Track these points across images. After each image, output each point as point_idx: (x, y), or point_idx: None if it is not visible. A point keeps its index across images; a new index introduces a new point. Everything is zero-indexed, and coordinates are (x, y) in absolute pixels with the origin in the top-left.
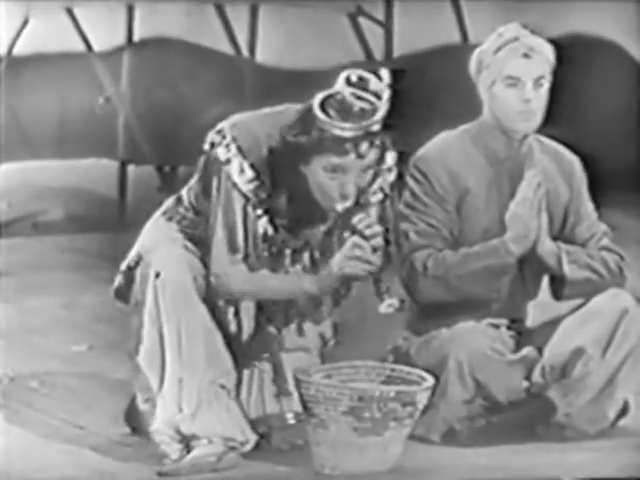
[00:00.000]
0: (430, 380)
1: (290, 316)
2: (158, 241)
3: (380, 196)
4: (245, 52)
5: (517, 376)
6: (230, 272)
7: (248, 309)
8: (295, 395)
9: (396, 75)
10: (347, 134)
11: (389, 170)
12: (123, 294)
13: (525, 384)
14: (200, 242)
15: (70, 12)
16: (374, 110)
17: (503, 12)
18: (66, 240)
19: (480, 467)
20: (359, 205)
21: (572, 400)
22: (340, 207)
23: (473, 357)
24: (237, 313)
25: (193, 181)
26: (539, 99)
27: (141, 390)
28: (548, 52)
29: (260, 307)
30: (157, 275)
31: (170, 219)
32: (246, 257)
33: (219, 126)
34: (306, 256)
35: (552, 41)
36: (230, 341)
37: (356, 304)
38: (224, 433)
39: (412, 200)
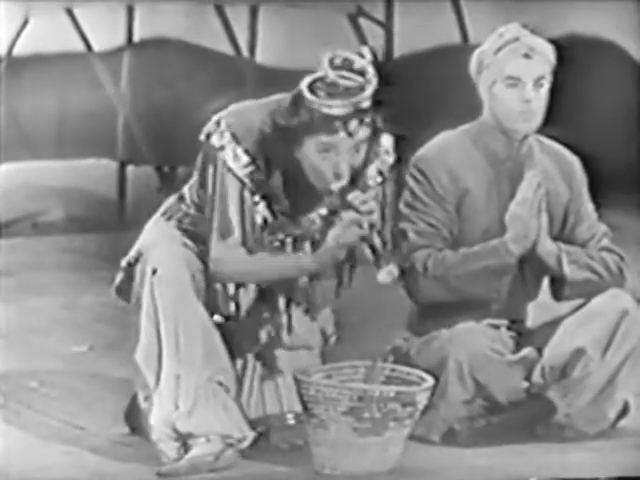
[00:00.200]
0: (430, 380)
1: (290, 301)
2: (157, 238)
3: (379, 179)
4: (245, 52)
5: (517, 376)
6: (228, 255)
7: (248, 292)
8: (285, 375)
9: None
10: (336, 112)
11: (386, 153)
12: (124, 291)
13: (525, 384)
14: (201, 239)
15: (70, 12)
16: (361, 88)
17: (503, 12)
18: (66, 240)
19: (480, 467)
20: (356, 188)
21: (572, 401)
22: (335, 187)
23: (473, 357)
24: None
25: (194, 178)
26: (539, 99)
27: (142, 388)
28: (548, 52)
29: (260, 293)
30: (154, 272)
31: (170, 218)
32: (244, 242)
33: (215, 117)
34: (307, 245)
35: (552, 41)
36: (227, 327)
37: (356, 304)
38: (221, 430)
39: (412, 200)
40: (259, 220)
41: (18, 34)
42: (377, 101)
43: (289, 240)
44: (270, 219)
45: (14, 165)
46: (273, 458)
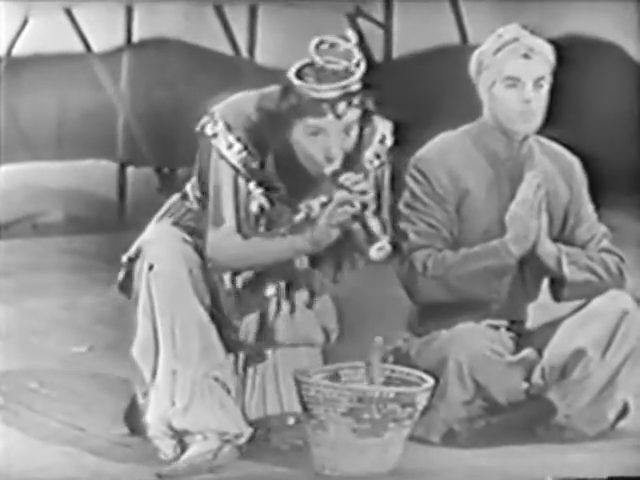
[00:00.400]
0: (430, 381)
1: (287, 284)
2: (156, 235)
3: (377, 162)
4: (244, 53)
5: (517, 377)
6: (222, 242)
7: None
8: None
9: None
10: (324, 95)
11: (383, 138)
12: (125, 288)
13: (525, 385)
14: (203, 234)
15: (69, 13)
16: (348, 71)
17: (502, 13)
18: (65, 241)
19: (480, 468)
20: (352, 172)
21: (572, 401)
22: (327, 170)
23: (473, 358)
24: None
25: (194, 173)
26: (539, 100)
27: (139, 385)
28: (548, 53)
29: (258, 278)
30: (150, 267)
31: (172, 215)
32: (239, 229)
33: (210, 109)
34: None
35: (552, 42)
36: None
37: (356, 304)
38: (217, 427)
39: (412, 200)
40: (255, 208)
41: (17, 34)
42: (366, 84)
43: (288, 228)
44: (267, 206)
45: (14, 166)
46: (273, 459)
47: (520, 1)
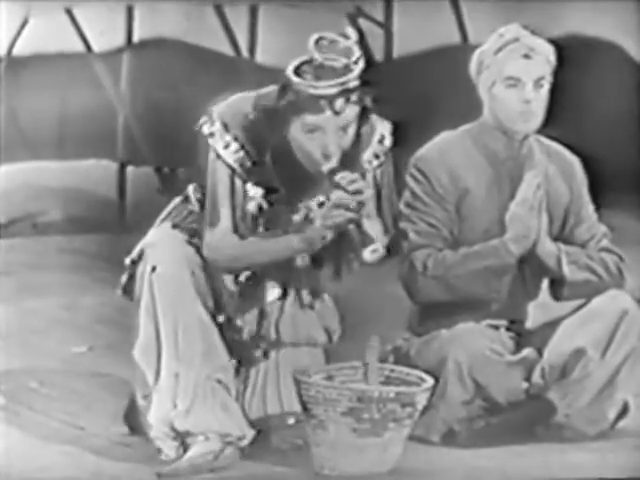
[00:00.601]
0: (429, 381)
1: (288, 284)
2: (158, 237)
3: (375, 163)
4: (245, 53)
5: (517, 377)
6: (219, 241)
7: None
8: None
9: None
10: (322, 92)
11: (382, 138)
12: (128, 290)
13: (525, 385)
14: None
15: (70, 12)
16: (347, 68)
17: (503, 13)
18: (65, 241)
19: (479, 468)
20: (350, 171)
21: (572, 401)
22: (325, 168)
23: (472, 358)
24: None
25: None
26: (539, 100)
27: (140, 386)
28: (548, 53)
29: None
30: (153, 269)
31: (174, 217)
32: (235, 229)
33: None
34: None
35: (552, 42)
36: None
37: (357, 304)
38: (220, 429)
39: (412, 200)
40: (253, 208)
41: (18, 34)
42: (365, 81)
43: (289, 230)
44: (265, 207)
45: (14, 165)
46: (273, 458)
47: (520, 1)
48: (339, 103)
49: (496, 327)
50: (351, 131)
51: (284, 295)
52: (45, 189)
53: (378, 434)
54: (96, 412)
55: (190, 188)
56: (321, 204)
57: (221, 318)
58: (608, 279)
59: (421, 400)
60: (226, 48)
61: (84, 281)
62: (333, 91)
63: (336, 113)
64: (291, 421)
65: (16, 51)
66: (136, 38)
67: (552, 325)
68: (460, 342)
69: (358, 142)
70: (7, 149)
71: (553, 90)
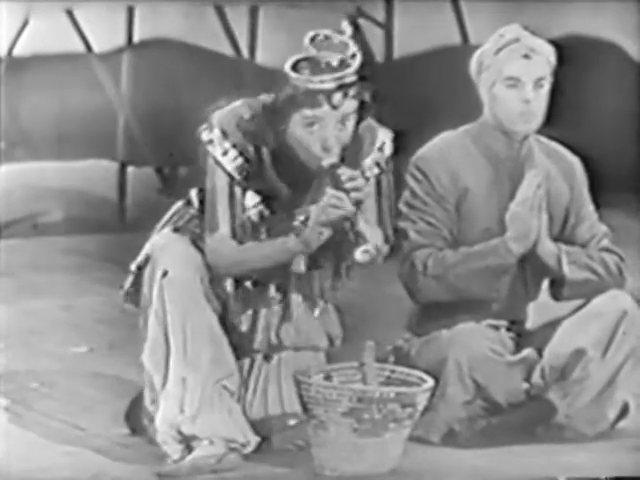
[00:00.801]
0: (430, 381)
1: (289, 290)
2: (166, 241)
3: (376, 170)
4: (245, 53)
5: (517, 377)
6: (218, 248)
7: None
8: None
9: (357, 27)
10: (319, 86)
11: (382, 145)
12: (132, 296)
13: (525, 385)
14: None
15: (70, 13)
16: (344, 63)
17: (503, 13)
18: (66, 241)
19: (480, 468)
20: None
21: (572, 401)
22: (326, 163)
23: (473, 358)
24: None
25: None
26: (539, 100)
27: (149, 391)
28: (549, 53)
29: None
30: (164, 274)
31: (177, 221)
32: (234, 235)
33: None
34: None
35: (553, 42)
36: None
37: (357, 305)
38: (225, 434)
39: (412, 199)
40: (254, 215)
41: (18, 35)
42: (362, 76)
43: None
44: (267, 214)
45: (14, 166)
46: (273, 459)
47: (521, 1)
48: (337, 97)
49: (496, 327)
50: (350, 125)
51: (284, 298)
52: (45, 189)
53: (378, 434)
54: (97, 413)
55: (192, 192)
56: (306, 220)
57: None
58: (608, 279)
59: (421, 400)
60: (226, 48)
61: (84, 282)
62: (330, 86)
63: (334, 107)
64: (292, 422)
65: (16, 52)
66: (136, 38)
67: (552, 325)
68: (460, 342)
69: (360, 151)
70: (7, 149)
71: (553, 90)
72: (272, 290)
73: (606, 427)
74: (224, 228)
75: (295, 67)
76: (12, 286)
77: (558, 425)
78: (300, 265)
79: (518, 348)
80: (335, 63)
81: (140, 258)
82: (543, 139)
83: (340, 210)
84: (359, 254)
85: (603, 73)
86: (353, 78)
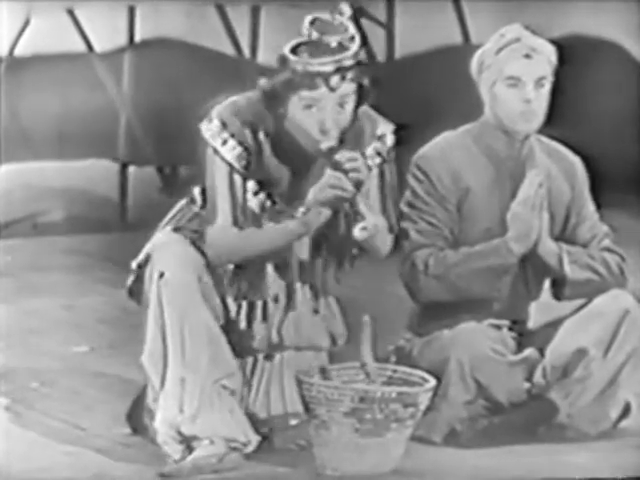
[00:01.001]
0: (432, 381)
1: (288, 280)
2: (164, 241)
3: (378, 160)
4: (246, 53)
5: (518, 377)
6: (218, 236)
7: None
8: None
9: (356, 10)
10: (317, 69)
11: (383, 136)
12: (135, 293)
13: (526, 385)
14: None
15: (71, 13)
16: (342, 46)
17: (505, 12)
18: (66, 241)
19: (482, 468)
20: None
21: (574, 401)
22: (324, 146)
23: (474, 358)
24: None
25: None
26: (540, 100)
27: (151, 389)
28: (550, 53)
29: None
30: (161, 275)
31: (180, 220)
32: (235, 223)
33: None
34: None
35: (554, 41)
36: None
37: (358, 305)
38: (226, 434)
39: (413, 199)
40: (256, 206)
41: (19, 34)
42: (359, 61)
43: None
44: (268, 204)
45: (15, 165)
46: (275, 459)
47: (522, 1)
48: (334, 80)
49: (498, 327)
50: (349, 108)
51: (288, 291)
52: (46, 189)
53: (380, 434)
54: (98, 412)
55: (196, 190)
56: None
57: (221, 320)
58: (610, 279)
59: (423, 400)
60: (228, 48)
61: (85, 281)
62: (328, 69)
63: (332, 90)
64: (294, 422)
65: (17, 51)
66: (138, 38)
67: (554, 325)
68: (462, 342)
69: (360, 139)
70: (8, 149)
71: (554, 90)
72: (274, 282)
73: (608, 426)
74: (224, 216)
75: (294, 51)
76: (13, 286)
77: (560, 425)
78: (304, 252)
79: (520, 348)
80: (334, 45)
81: (141, 256)
82: (544, 139)
83: (338, 190)
84: (357, 231)
85: (604, 73)
86: (351, 61)
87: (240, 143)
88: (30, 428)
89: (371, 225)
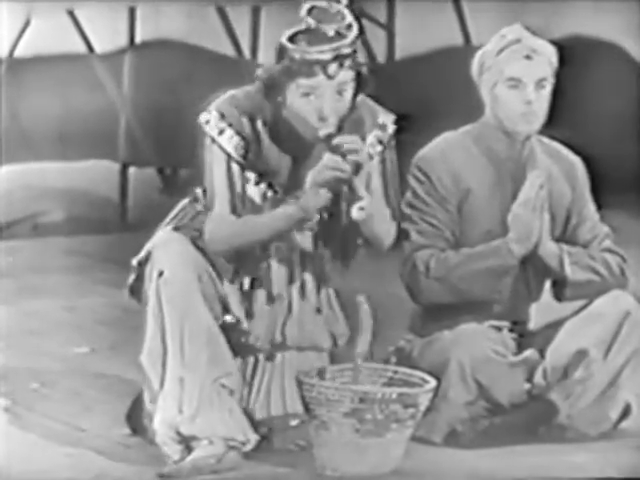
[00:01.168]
0: (432, 382)
1: (292, 274)
2: (165, 239)
3: (379, 148)
4: (247, 54)
5: (519, 378)
6: (217, 225)
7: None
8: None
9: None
10: (314, 57)
11: (384, 125)
12: (135, 292)
13: (527, 386)
14: None
15: (71, 14)
16: (340, 33)
17: (505, 13)
18: (67, 242)
19: (482, 469)
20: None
21: (574, 402)
22: (322, 133)
23: (475, 359)
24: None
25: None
26: (541, 100)
27: (149, 390)
28: (550, 54)
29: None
30: (160, 274)
31: (182, 219)
32: (234, 211)
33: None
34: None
35: (554, 42)
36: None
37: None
38: (225, 433)
39: (414, 200)
40: (257, 197)
41: (20, 35)
42: (355, 50)
43: None
44: (269, 194)
45: (15, 166)
46: (275, 459)
47: (523, 2)
48: (332, 68)
49: (499, 328)
50: (347, 95)
51: (290, 281)
52: (46, 190)
53: (380, 435)
54: (98, 413)
55: (198, 189)
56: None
57: (229, 318)
58: (611, 280)
59: (424, 401)
60: (228, 49)
61: (86, 282)
62: (326, 57)
63: (330, 77)
64: (294, 422)
65: (18, 52)
66: (138, 39)
67: (554, 326)
68: (463, 343)
69: (361, 129)
70: (8, 150)
71: (555, 91)
72: (278, 279)
73: (608, 427)
74: (222, 204)
75: (292, 39)
76: (13, 287)
77: (560, 425)
78: (307, 243)
79: (520, 349)
80: (331, 33)
81: (142, 254)
82: (545, 140)
83: (336, 171)
84: (355, 211)
85: (605, 74)
86: (349, 49)
87: (238, 133)
88: (30, 429)
89: (369, 204)
